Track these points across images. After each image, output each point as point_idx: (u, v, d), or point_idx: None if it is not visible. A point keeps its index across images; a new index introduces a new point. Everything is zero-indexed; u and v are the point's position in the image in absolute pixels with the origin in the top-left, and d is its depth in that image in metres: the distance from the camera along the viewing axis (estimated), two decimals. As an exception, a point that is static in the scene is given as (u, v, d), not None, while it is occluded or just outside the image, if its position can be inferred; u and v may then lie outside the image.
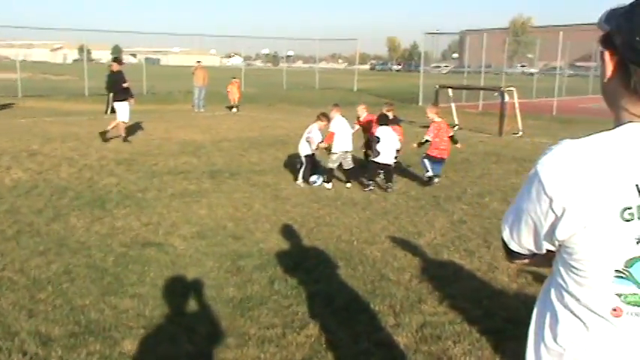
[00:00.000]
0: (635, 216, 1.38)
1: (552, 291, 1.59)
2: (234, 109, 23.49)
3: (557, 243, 1.50)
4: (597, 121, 21.36)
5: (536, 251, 1.59)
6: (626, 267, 1.41)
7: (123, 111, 14.41)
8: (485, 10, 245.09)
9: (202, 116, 21.33)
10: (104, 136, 14.02)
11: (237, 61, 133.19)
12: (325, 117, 9.84)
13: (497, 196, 9.15)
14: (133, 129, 16.55)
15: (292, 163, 11.55)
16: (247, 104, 25.49)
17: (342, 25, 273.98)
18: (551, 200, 1.45)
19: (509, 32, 76.69)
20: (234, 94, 23.87)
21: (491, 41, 29.33)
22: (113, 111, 21.35)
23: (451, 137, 10.29)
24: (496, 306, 4.93)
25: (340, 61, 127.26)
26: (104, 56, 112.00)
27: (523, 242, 1.60)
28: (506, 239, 1.65)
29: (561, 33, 24.02)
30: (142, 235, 6.76)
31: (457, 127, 17.99)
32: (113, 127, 14.27)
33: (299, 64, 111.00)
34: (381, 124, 9.57)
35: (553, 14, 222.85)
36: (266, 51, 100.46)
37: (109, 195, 8.70)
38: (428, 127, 10.32)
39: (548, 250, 1.57)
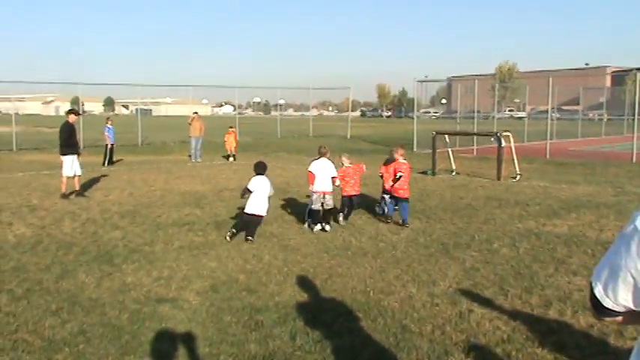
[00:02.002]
0: None
1: None
2: (232, 159, 23.53)
3: None
4: (592, 163, 21.58)
5: (634, 308, 1.57)
6: None
7: (67, 165, 13.42)
8: (466, 58, 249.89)
9: (200, 166, 21.34)
10: (65, 196, 13.20)
11: (228, 110, 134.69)
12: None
13: (506, 241, 9.12)
14: (133, 180, 16.53)
15: (296, 212, 11.55)
16: (243, 153, 25.58)
17: (329, 72, 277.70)
18: None
19: (496, 78, 78.18)
20: (231, 143, 23.96)
21: (479, 87, 29.84)
22: (111, 162, 21.47)
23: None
24: (525, 357, 4.83)
25: (330, 108, 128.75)
26: (96, 108, 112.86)
27: (620, 299, 1.57)
28: (599, 296, 1.62)
29: (551, 78, 24.47)
30: (154, 290, 6.64)
31: (455, 172, 18.10)
32: (65, 184, 13.36)
33: (290, 111, 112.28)
34: (258, 173, 9.53)
35: (535, 61, 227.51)
36: (257, 100, 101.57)
37: (116, 249, 8.59)
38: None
39: None
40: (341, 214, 10.67)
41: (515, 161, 17.17)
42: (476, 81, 29.72)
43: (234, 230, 9.26)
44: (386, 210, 10.83)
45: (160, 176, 17.82)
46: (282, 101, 58.23)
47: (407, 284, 6.89)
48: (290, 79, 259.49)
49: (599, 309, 1.65)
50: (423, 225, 10.44)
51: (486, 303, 6.25)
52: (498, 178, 16.56)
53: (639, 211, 1.52)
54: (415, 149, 27.14)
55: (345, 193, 10.75)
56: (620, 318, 1.65)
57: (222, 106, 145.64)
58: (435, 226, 10.36)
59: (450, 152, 18.81)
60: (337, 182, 10.40)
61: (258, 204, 9.36)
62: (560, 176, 17.92)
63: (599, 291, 1.63)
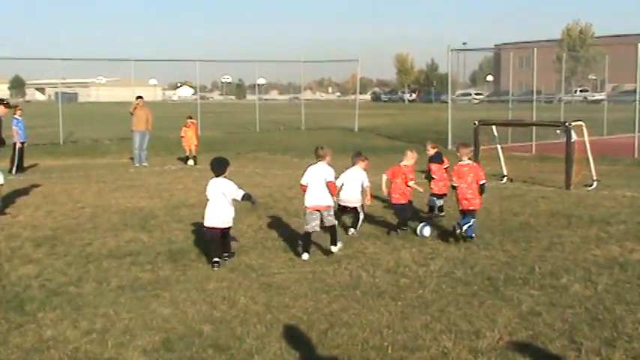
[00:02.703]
0: None
1: None
2: (191, 161, 23.61)
3: None
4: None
5: None
6: None
7: None
8: (521, 18, 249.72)
9: (147, 172, 21.45)
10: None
11: (186, 94, 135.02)
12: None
13: (578, 275, 9.18)
14: (53, 194, 16.54)
15: (283, 235, 11.63)
16: (207, 153, 25.57)
17: (329, 38, 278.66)
18: None
19: (562, 45, 78.50)
20: (190, 140, 24.01)
21: (539, 58, 29.92)
22: (21, 168, 21.51)
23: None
24: None
25: (330, 89, 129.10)
26: (0, 90, 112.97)
27: None
28: None
29: (639, 45, 24.55)
30: (84, 348, 6.67)
31: (506, 177, 18.18)
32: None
33: (273, 94, 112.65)
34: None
35: (618, 21, 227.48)
36: (227, 79, 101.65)
37: (29, 291, 8.62)
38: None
39: None
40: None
41: (591, 162, 17.24)
42: (534, 49, 29.75)
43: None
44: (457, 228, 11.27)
45: (91, 187, 17.86)
46: (262, 80, 58.35)
47: (439, 336, 6.92)
48: (274, 50, 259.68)
49: None
50: (462, 252, 10.48)
51: (551, 361, 6.30)
52: (567, 187, 16.61)
53: None
54: (450, 146, 27.21)
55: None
56: None
57: (177, 87, 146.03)
58: (479, 253, 10.41)
59: (500, 150, 18.88)
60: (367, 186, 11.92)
61: (218, 213, 10.02)
62: (655, 182, 18.01)
63: None
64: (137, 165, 23.37)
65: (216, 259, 9.74)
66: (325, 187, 10.41)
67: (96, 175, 20.72)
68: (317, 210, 10.38)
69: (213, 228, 10.01)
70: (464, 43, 49.73)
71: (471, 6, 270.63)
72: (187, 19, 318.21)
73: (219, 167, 10.17)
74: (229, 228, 10.20)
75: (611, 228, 12.10)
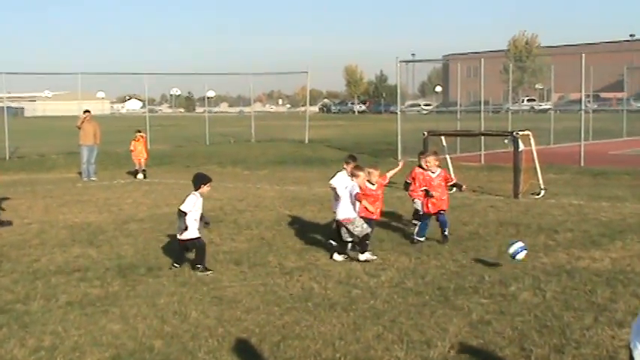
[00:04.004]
0: None
1: None
2: (140, 175, 23.45)
3: None
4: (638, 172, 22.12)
5: None
6: None
7: None
8: (468, 29, 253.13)
9: (96, 187, 21.22)
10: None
11: (134, 107, 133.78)
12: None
13: (527, 282, 9.31)
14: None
15: (233, 248, 11.60)
16: (157, 167, 25.50)
17: (278, 50, 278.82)
18: None
19: (509, 56, 79.72)
20: (139, 153, 23.84)
21: (487, 69, 30.44)
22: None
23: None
24: None
25: (280, 101, 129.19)
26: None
27: None
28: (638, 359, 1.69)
29: (584, 55, 25.09)
30: (32, 366, 6.57)
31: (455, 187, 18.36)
32: None
33: (223, 107, 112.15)
34: None
35: (562, 31, 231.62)
36: (176, 91, 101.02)
37: (-26, 309, 8.46)
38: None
39: None
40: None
41: (539, 171, 17.52)
42: (482, 60, 30.24)
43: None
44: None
45: (37, 203, 17.62)
46: (211, 93, 58.16)
47: (391, 346, 6.97)
48: (223, 62, 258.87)
49: None
50: (413, 262, 10.56)
51: (502, 369, 6.37)
52: (515, 195, 16.85)
53: None
54: (400, 157, 27.41)
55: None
56: None
57: (126, 100, 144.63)
58: (429, 263, 10.51)
59: (449, 160, 19.09)
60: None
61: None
62: (600, 190, 18.35)
63: (638, 354, 1.68)
64: (85, 179, 23.14)
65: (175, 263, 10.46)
66: (344, 198, 10.83)
67: (43, 190, 20.44)
68: (344, 221, 10.81)
69: (185, 240, 10.43)
70: (412, 55, 50.32)
71: (419, 18, 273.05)
72: (135, 32, 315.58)
73: (193, 182, 10.67)
74: (190, 240, 10.36)
75: (558, 236, 12.31)
